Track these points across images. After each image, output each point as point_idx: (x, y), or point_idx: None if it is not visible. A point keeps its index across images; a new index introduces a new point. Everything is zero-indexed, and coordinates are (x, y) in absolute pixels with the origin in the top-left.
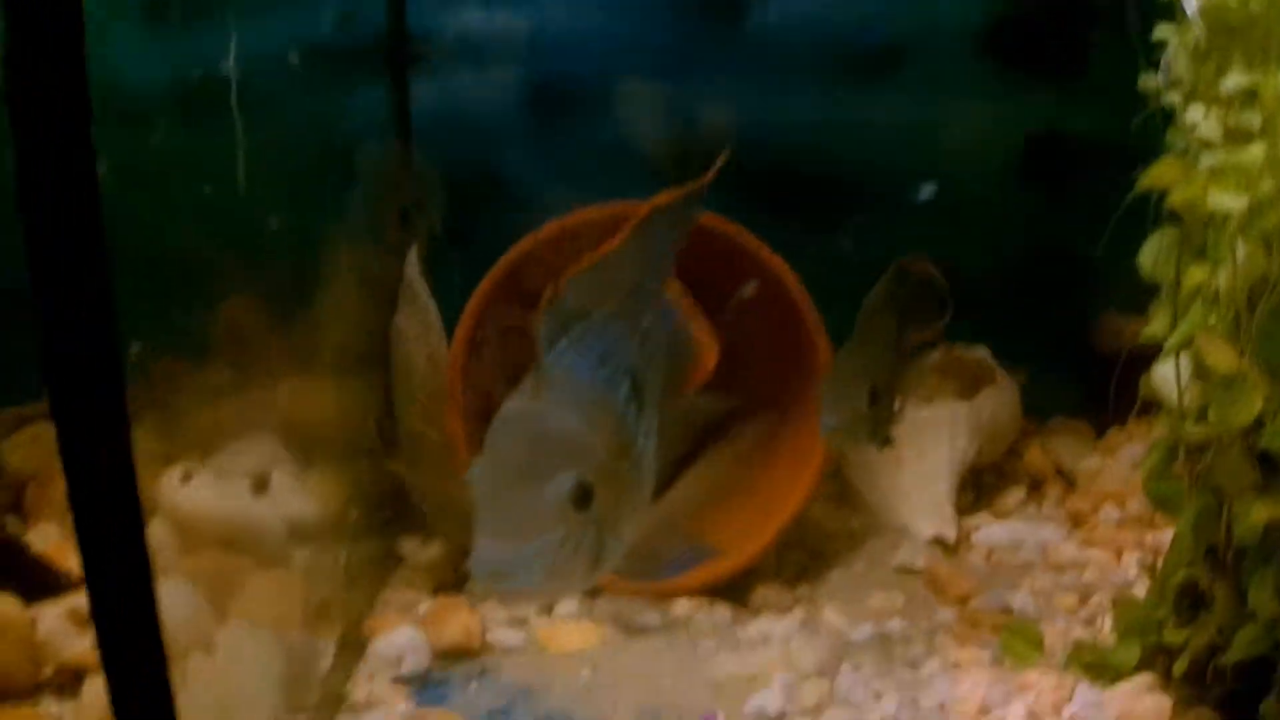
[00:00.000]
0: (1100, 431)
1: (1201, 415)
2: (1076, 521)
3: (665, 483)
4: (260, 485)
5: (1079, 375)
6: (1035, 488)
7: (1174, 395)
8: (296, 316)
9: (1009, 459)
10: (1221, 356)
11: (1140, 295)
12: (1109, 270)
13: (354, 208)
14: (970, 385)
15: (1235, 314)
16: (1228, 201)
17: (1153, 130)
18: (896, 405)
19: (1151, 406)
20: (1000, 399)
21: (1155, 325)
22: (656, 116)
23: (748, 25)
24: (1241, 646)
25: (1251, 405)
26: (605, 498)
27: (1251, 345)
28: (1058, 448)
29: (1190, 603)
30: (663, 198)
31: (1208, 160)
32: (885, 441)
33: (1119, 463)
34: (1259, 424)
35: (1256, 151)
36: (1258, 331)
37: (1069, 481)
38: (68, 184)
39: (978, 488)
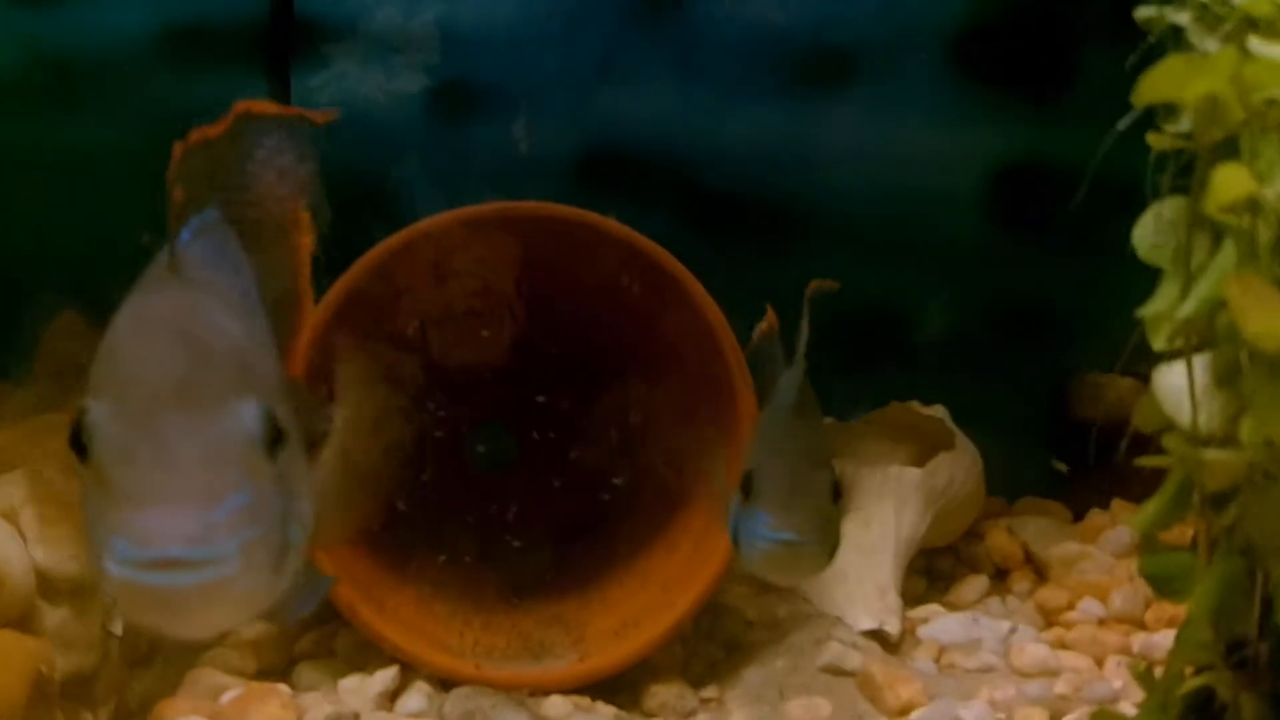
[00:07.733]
0: (1078, 514)
1: (1229, 440)
2: (1048, 618)
3: None
4: None
5: (1053, 447)
6: (999, 577)
7: (1186, 410)
8: None
9: (969, 542)
10: (1269, 318)
11: (1123, 353)
12: (1087, 325)
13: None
14: (926, 450)
15: None
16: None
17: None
18: None
19: (1139, 483)
20: (959, 467)
21: (1160, 302)
22: None
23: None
24: None
25: None
26: None
27: None
28: (1027, 531)
29: None
30: (256, 105)
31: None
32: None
33: (1101, 550)
34: None
35: None
36: None
37: (1040, 571)
38: None
39: (930, 574)
